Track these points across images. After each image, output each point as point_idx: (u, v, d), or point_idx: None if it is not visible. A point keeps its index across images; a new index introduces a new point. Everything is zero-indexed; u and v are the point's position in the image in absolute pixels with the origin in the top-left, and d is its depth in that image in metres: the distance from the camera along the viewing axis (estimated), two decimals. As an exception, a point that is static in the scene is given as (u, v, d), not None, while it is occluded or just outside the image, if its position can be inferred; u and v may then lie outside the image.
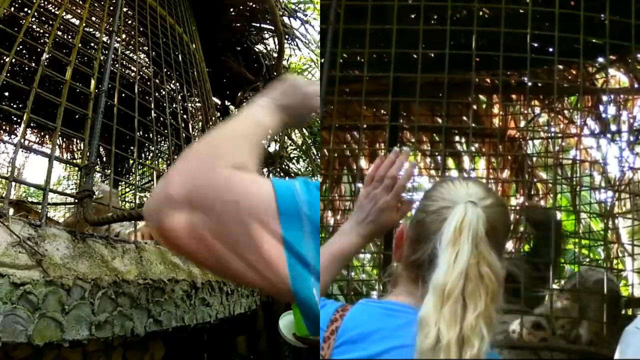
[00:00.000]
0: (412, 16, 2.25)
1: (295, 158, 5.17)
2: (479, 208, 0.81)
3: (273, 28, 4.45)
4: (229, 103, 5.13)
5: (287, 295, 0.60)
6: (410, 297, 0.81)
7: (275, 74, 4.62)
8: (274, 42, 4.74)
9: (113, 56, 1.82)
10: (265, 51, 4.95)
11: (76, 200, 1.28)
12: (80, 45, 1.70)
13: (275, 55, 4.78)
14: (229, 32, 4.61)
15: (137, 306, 1.27)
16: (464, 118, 2.82)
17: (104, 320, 1.16)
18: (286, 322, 1.79)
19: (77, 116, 1.52)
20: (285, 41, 4.59)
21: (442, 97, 1.93)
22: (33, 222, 1.19)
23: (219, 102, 5.05)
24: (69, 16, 2.80)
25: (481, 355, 0.72)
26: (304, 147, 4.84)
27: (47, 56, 1.55)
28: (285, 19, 4.69)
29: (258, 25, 4.58)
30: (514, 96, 3.00)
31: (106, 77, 1.61)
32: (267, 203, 0.61)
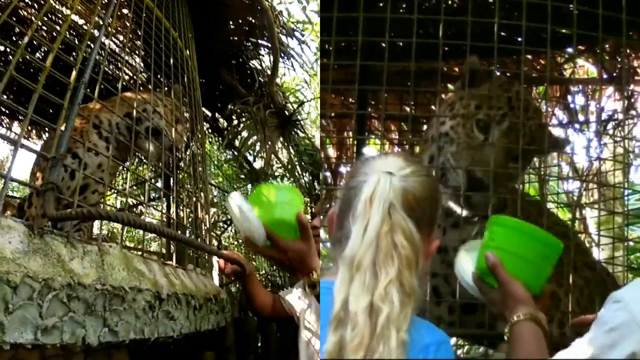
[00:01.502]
0: (380, 4, 2.25)
1: (280, 176, 5.11)
2: (396, 177, 0.81)
3: (270, 45, 4.44)
4: (219, 115, 5.07)
5: None
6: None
7: (267, 90, 4.60)
8: (269, 59, 4.73)
9: (100, 50, 1.76)
10: (260, 67, 4.93)
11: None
12: (70, 36, 1.63)
13: (269, 72, 4.76)
14: (226, 45, 4.59)
15: (91, 313, 1.17)
16: (432, 107, 2.81)
17: (52, 325, 1.06)
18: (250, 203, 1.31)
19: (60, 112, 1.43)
20: (281, 59, 4.58)
21: (410, 85, 1.92)
22: (-14, 213, 1.09)
23: (209, 113, 4.99)
24: (63, 9, 2.75)
25: (391, 320, 0.71)
26: (289, 166, 4.78)
27: (39, 47, 1.49)
28: (283, 38, 4.69)
29: (255, 40, 4.57)
30: (482, 85, 2.99)
31: (88, 70, 1.54)
32: None
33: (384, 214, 0.77)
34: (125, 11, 2.96)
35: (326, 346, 0.73)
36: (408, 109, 2.82)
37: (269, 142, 4.36)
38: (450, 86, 2.79)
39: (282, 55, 4.68)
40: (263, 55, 4.88)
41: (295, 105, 5.00)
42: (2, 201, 1.10)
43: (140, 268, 1.45)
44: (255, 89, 4.67)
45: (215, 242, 4.70)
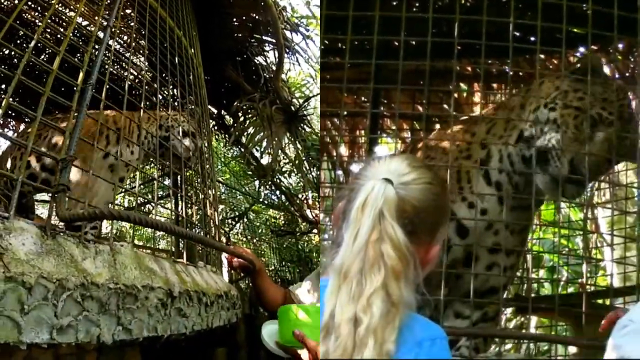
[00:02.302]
0: (394, 3, 2.24)
1: (288, 172, 5.12)
2: (394, 184, 0.79)
3: (274, 41, 4.44)
4: (225, 113, 5.08)
5: None
6: None
7: (272, 86, 4.60)
8: (274, 55, 4.72)
9: (106, 51, 1.77)
10: (265, 63, 4.93)
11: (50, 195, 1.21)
12: (74, 38, 1.64)
13: (274, 68, 4.75)
14: (230, 42, 4.59)
15: (105, 312, 1.18)
16: (445, 106, 2.81)
17: (67, 325, 1.08)
18: (269, 331, 1.70)
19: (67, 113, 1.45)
20: (286, 55, 4.57)
21: (424, 84, 1.92)
22: (1, 214, 1.11)
23: (215, 110, 5.00)
24: (67, 10, 2.76)
25: (369, 332, 0.70)
26: (296, 162, 4.78)
27: (44, 49, 1.50)
28: (287, 33, 4.68)
29: (260, 36, 4.56)
30: (495, 85, 2.99)
31: (95, 71, 1.55)
32: None
33: (373, 222, 0.76)
34: (128, 11, 2.98)
35: (321, 356, 0.73)
36: (420, 108, 2.81)
37: (276, 138, 4.36)
38: (462, 85, 2.80)
39: (287, 50, 4.67)
40: (268, 51, 4.88)
41: (301, 101, 5.00)
42: (15, 204, 1.12)
43: (152, 266, 1.46)
44: (261, 85, 4.67)
45: (223, 239, 4.72)
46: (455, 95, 2.25)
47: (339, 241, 0.80)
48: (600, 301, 2.62)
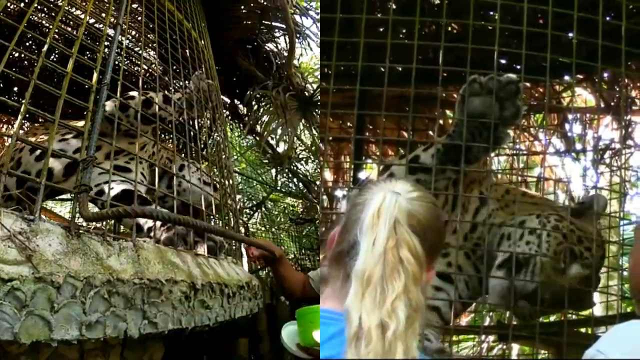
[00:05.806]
0: (380, 29, 2.23)
1: (304, 159, 5.12)
2: (401, 197, 0.82)
3: (284, 26, 4.41)
4: (239, 102, 5.09)
5: None
6: (336, 300, 0.81)
7: (285, 73, 4.58)
8: (285, 41, 4.69)
9: (117, 50, 1.79)
10: (276, 50, 4.90)
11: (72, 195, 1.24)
12: (83, 37, 1.66)
13: (285, 54, 4.73)
14: (239, 30, 4.57)
15: (131, 307, 1.22)
16: (430, 132, 2.80)
17: (95, 321, 1.11)
18: (289, 332, 1.72)
19: (84, 112, 1.47)
20: (297, 40, 4.54)
21: (409, 111, 1.90)
22: (26, 217, 1.14)
23: (228, 100, 5.01)
24: (73, 10, 2.78)
25: (397, 337, 0.72)
26: (313, 149, 4.78)
27: (52, 50, 1.52)
28: (297, 17, 4.64)
29: (269, 23, 4.54)
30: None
31: (109, 71, 1.57)
32: None
33: (390, 228, 0.78)
34: (134, 5, 2.98)
35: None
36: (405, 134, 2.79)
37: (291, 126, 4.36)
38: (447, 112, 2.76)
39: (298, 35, 4.64)
40: (278, 37, 4.85)
41: (315, 85, 4.97)
42: (39, 206, 1.15)
43: (175, 260, 1.49)
44: (273, 72, 4.65)
45: (242, 229, 4.77)
46: (441, 121, 2.24)
47: (347, 253, 0.81)
48: (582, 330, 2.59)
